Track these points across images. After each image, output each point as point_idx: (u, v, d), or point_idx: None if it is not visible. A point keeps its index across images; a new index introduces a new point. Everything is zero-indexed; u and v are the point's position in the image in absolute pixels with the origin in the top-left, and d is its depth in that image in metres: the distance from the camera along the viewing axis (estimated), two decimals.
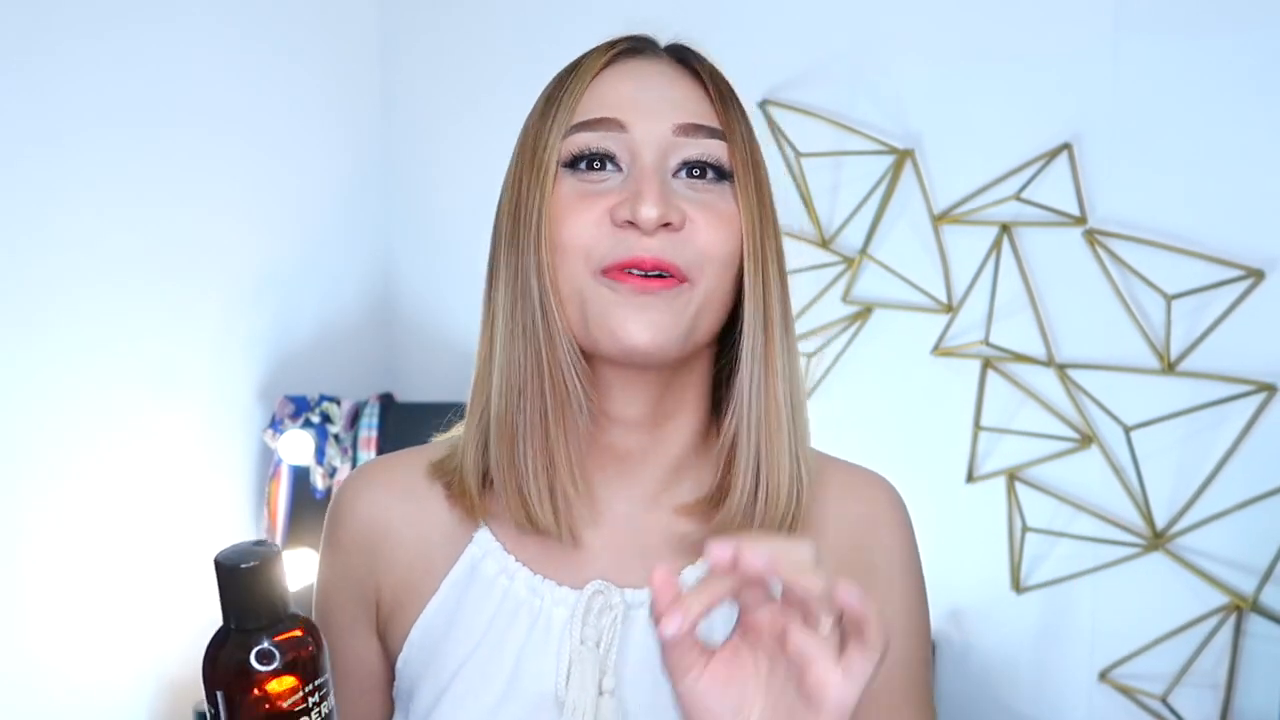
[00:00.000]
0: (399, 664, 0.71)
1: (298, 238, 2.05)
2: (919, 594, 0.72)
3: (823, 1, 1.65)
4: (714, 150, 0.64)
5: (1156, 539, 1.45)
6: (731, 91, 0.68)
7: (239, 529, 1.89)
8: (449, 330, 2.07)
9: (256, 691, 0.50)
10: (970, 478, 1.60)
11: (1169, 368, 1.42)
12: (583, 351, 0.64)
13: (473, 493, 0.68)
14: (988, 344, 1.56)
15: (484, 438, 0.67)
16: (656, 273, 0.61)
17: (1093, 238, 1.46)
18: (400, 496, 0.72)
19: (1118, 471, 1.48)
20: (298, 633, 0.52)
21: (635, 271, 0.60)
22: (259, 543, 0.53)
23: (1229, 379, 1.38)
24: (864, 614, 0.49)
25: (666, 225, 0.61)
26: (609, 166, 0.64)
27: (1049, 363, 1.52)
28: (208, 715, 0.51)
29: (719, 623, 0.64)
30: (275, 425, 1.88)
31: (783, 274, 0.67)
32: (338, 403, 1.92)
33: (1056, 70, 1.47)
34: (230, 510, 1.90)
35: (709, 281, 0.63)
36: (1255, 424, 1.37)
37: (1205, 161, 1.37)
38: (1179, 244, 1.39)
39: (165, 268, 1.77)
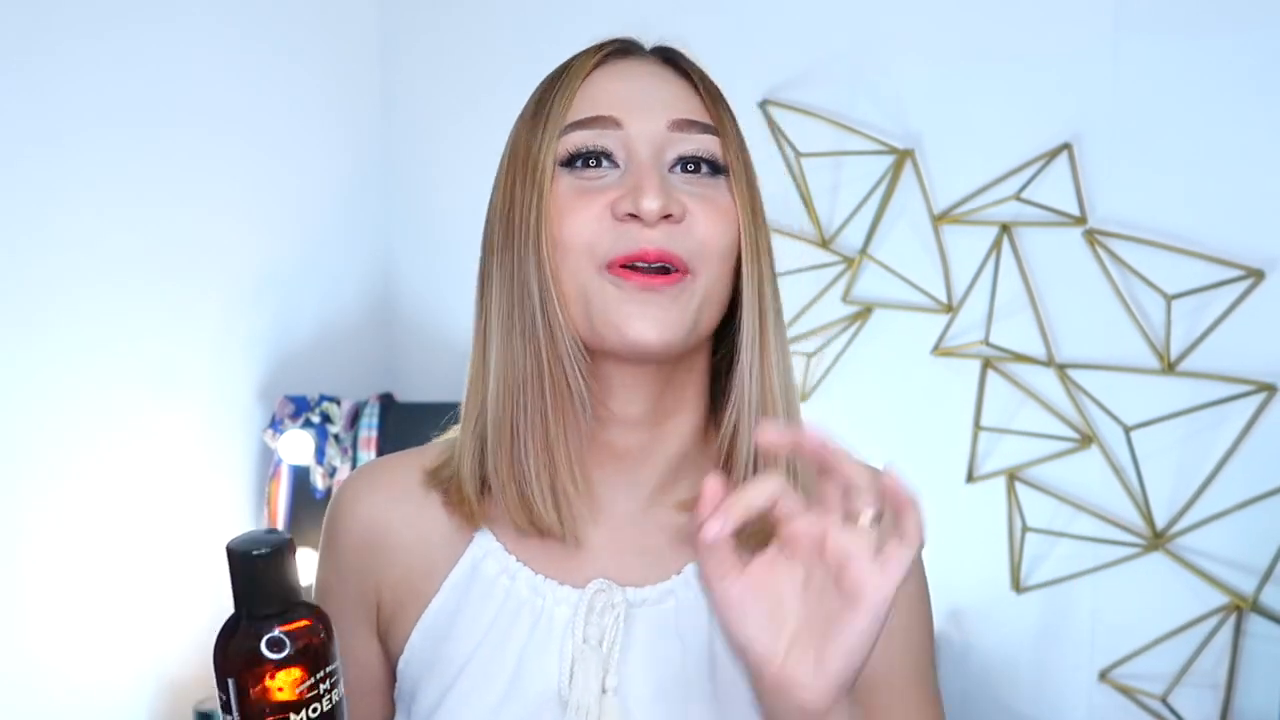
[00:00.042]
0: (400, 665, 0.71)
1: (298, 238, 2.05)
2: (920, 583, 0.72)
3: (823, 1, 1.65)
4: (708, 145, 0.65)
5: (1156, 539, 1.45)
6: (719, 90, 0.69)
7: (239, 529, 1.89)
8: (449, 330, 2.07)
9: (267, 679, 0.50)
10: (970, 478, 1.60)
11: (1169, 368, 1.42)
12: (585, 349, 0.64)
13: (471, 500, 0.68)
14: (988, 344, 1.56)
15: (480, 443, 0.67)
16: (659, 266, 0.61)
17: (1093, 238, 1.46)
18: (399, 498, 0.72)
19: (1118, 471, 1.48)
20: (308, 621, 0.52)
21: (640, 266, 0.61)
22: (271, 531, 0.53)
23: (1229, 379, 1.38)
24: (908, 498, 0.52)
25: (667, 217, 0.61)
26: (605, 164, 0.64)
27: (1049, 363, 1.52)
28: (219, 703, 0.52)
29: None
30: (275, 425, 1.88)
31: (773, 268, 0.68)
32: (338, 403, 1.92)
33: (1056, 70, 1.47)
34: (230, 510, 1.90)
35: (710, 274, 0.63)
36: (1255, 424, 1.37)
37: (1205, 161, 1.37)
38: (1179, 244, 1.39)
39: (165, 268, 1.77)
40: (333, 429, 1.89)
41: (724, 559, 0.55)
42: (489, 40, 2.02)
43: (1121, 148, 1.43)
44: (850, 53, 1.64)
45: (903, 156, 1.59)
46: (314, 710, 0.51)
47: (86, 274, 1.65)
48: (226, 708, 0.51)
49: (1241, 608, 1.39)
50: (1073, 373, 1.50)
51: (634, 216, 0.61)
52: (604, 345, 0.63)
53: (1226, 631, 1.41)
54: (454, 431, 0.73)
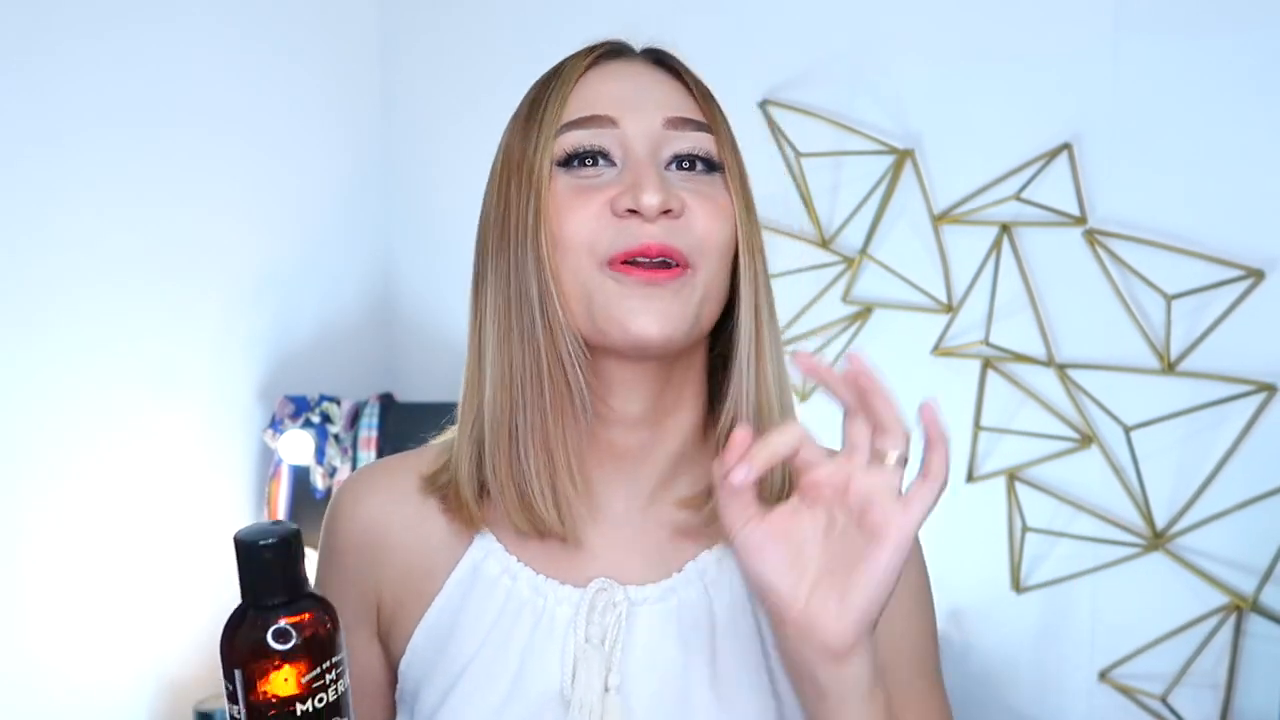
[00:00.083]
0: (402, 667, 0.71)
1: (298, 238, 2.05)
2: (922, 574, 0.73)
3: (823, 1, 1.65)
4: (703, 143, 0.66)
5: (1156, 539, 1.45)
6: (709, 89, 0.69)
7: (239, 530, 1.89)
8: (449, 330, 2.07)
9: (273, 669, 0.50)
10: (970, 478, 1.60)
11: (1169, 368, 1.42)
12: (586, 348, 0.64)
13: (470, 504, 0.68)
14: (988, 344, 1.56)
15: (478, 447, 0.67)
16: (661, 261, 0.61)
17: (1093, 238, 1.46)
18: (399, 500, 0.72)
19: (1118, 471, 1.48)
20: (314, 611, 0.52)
21: (641, 261, 0.61)
22: (277, 523, 0.54)
23: (1229, 379, 1.38)
24: (940, 433, 0.54)
25: (667, 213, 0.62)
26: (601, 163, 0.64)
27: (1049, 363, 1.52)
28: (225, 693, 0.52)
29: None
30: (275, 425, 1.88)
31: (766, 265, 0.69)
32: (338, 403, 1.92)
33: (1056, 70, 1.47)
34: (230, 511, 1.90)
35: (709, 269, 0.64)
36: (1255, 424, 1.37)
37: (1205, 161, 1.37)
38: (1179, 244, 1.39)
39: (165, 268, 1.77)
40: (333, 429, 1.89)
41: (746, 505, 0.56)
42: (489, 40, 2.02)
43: (1121, 148, 1.43)
44: (850, 53, 1.64)
45: (903, 156, 1.59)
46: (319, 700, 0.51)
47: (86, 274, 1.65)
48: (233, 698, 0.51)
49: (1241, 608, 1.39)
50: (1073, 373, 1.50)
51: (633, 213, 0.61)
52: (606, 342, 0.63)
53: (1226, 631, 1.41)
54: (451, 433, 0.73)
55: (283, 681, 0.50)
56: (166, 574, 1.79)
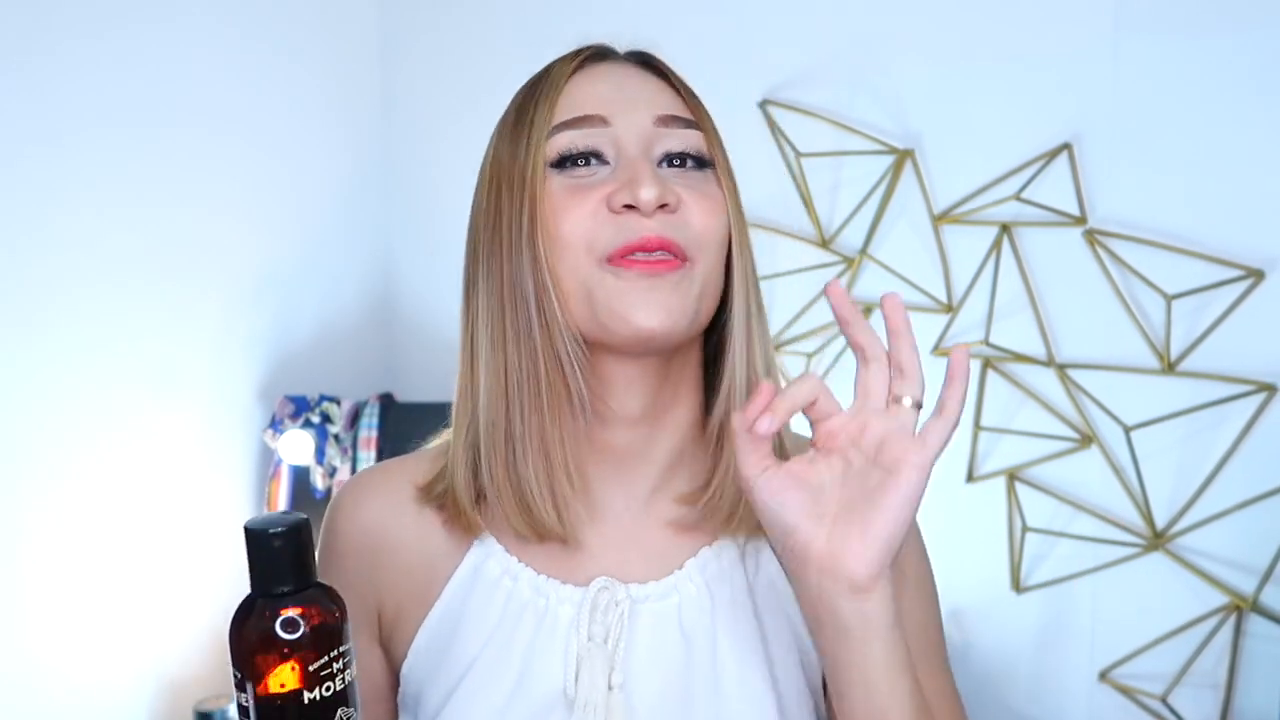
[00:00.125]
0: (404, 670, 0.71)
1: (298, 238, 2.05)
2: (925, 561, 0.74)
3: (823, 1, 1.65)
4: (693, 140, 0.67)
5: (1156, 539, 1.45)
6: (693, 90, 0.70)
7: (239, 529, 1.89)
8: (449, 330, 2.06)
9: (281, 658, 0.51)
10: (970, 478, 1.60)
11: (1169, 368, 1.42)
12: (587, 344, 0.65)
13: (468, 512, 0.68)
14: (988, 344, 1.56)
15: (474, 454, 0.68)
16: (660, 254, 0.62)
17: (1093, 238, 1.46)
18: (398, 505, 0.72)
19: (1118, 471, 1.48)
20: (322, 600, 0.53)
21: (640, 255, 0.62)
22: (286, 513, 0.54)
23: (1229, 379, 1.38)
24: (961, 371, 0.57)
25: (663, 207, 0.62)
26: (594, 163, 0.65)
27: (1049, 363, 1.52)
28: (232, 681, 0.52)
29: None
30: (275, 425, 1.88)
31: (754, 260, 0.71)
32: (338, 403, 1.92)
33: (1056, 70, 1.47)
34: (230, 511, 1.90)
35: (707, 262, 0.65)
36: (1255, 424, 1.37)
37: (1205, 161, 1.37)
38: (1179, 244, 1.39)
39: (165, 268, 1.77)
40: (333, 429, 1.89)
41: (764, 455, 0.57)
42: (489, 40, 2.02)
43: (1121, 148, 1.43)
44: (850, 53, 1.64)
45: (903, 156, 1.59)
46: (326, 689, 0.52)
47: (86, 274, 1.65)
48: (241, 686, 0.51)
49: (1241, 608, 1.39)
50: (1073, 373, 1.50)
51: (630, 208, 0.62)
52: (609, 338, 0.63)
53: (1226, 631, 1.41)
54: (446, 436, 0.73)
55: (290, 670, 0.51)
56: (167, 574, 1.79)
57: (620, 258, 0.62)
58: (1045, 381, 1.53)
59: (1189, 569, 1.43)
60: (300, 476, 1.91)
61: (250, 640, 0.51)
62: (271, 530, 0.51)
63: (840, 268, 1.67)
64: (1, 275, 1.55)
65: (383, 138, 2.22)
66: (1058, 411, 1.52)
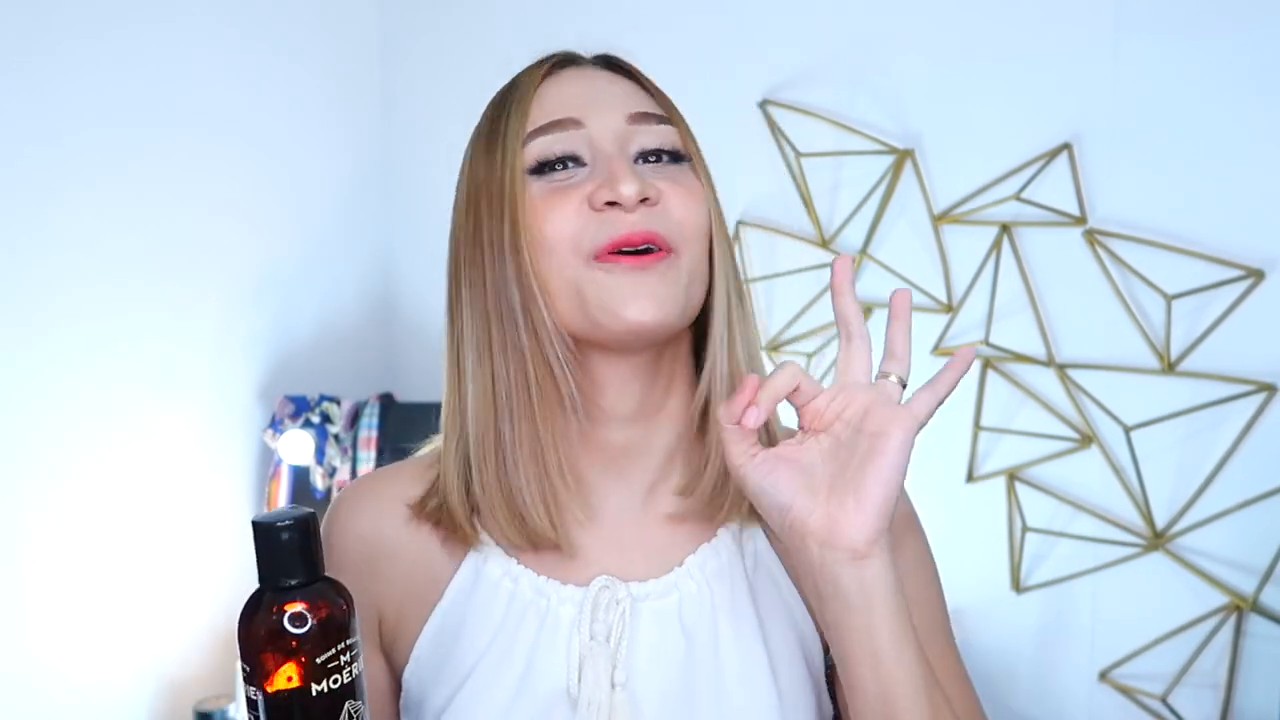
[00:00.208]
0: (406, 675, 0.71)
1: (298, 238, 2.05)
2: (925, 543, 0.74)
3: (823, 1, 1.65)
4: (668, 136, 0.67)
5: (1156, 539, 1.45)
6: (660, 88, 0.71)
7: (239, 529, 1.89)
8: None
9: (289, 651, 0.51)
10: (970, 478, 1.60)
11: (1169, 368, 1.42)
12: (578, 345, 0.65)
13: (464, 525, 0.68)
14: (988, 344, 1.56)
15: (465, 466, 0.68)
16: (645, 247, 0.63)
17: (1093, 238, 1.46)
18: (394, 512, 0.72)
19: (1118, 471, 1.48)
20: (329, 593, 0.53)
21: (626, 250, 0.62)
22: (293, 507, 0.55)
23: (1229, 379, 1.38)
24: (962, 360, 0.59)
25: (645, 201, 0.63)
26: (572, 166, 0.66)
27: (1049, 363, 1.52)
28: (240, 675, 0.53)
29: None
30: (275, 425, 1.88)
31: (734, 251, 0.72)
32: (338, 403, 1.92)
33: (1056, 70, 1.47)
34: (230, 510, 1.90)
35: (692, 252, 0.65)
36: (1255, 424, 1.37)
37: (1205, 161, 1.37)
38: (1179, 244, 1.39)
39: (165, 268, 1.77)
40: (333, 429, 1.89)
41: (751, 443, 0.59)
42: (489, 40, 2.02)
43: (1121, 148, 1.43)
44: (850, 53, 1.64)
45: (903, 156, 1.59)
46: (334, 681, 0.52)
47: (86, 274, 1.66)
48: (249, 679, 0.52)
49: (1241, 608, 1.39)
50: (1073, 373, 1.50)
51: (612, 205, 0.63)
52: (600, 334, 0.64)
53: (1226, 631, 1.41)
54: (437, 441, 0.73)
55: (299, 663, 0.51)
56: (167, 574, 1.79)
57: (607, 254, 0.62)
58: (1045, 381, 1.53)
59: (1189, 569, 1.43)
60: (300, 476, 1.91)
61: (259, 634, 0.52)
62: (280, 523, 0.52)
63: None
64: (1, 275, 1.55)
65: (383, 138, 2.22)
66: (1058, 411, 1.52)
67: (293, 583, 0.52)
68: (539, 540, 0.66)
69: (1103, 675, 1.51)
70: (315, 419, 1.88)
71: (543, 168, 0.65)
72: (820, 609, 0.59)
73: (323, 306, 2.11)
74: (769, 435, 0.68)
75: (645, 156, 0.67)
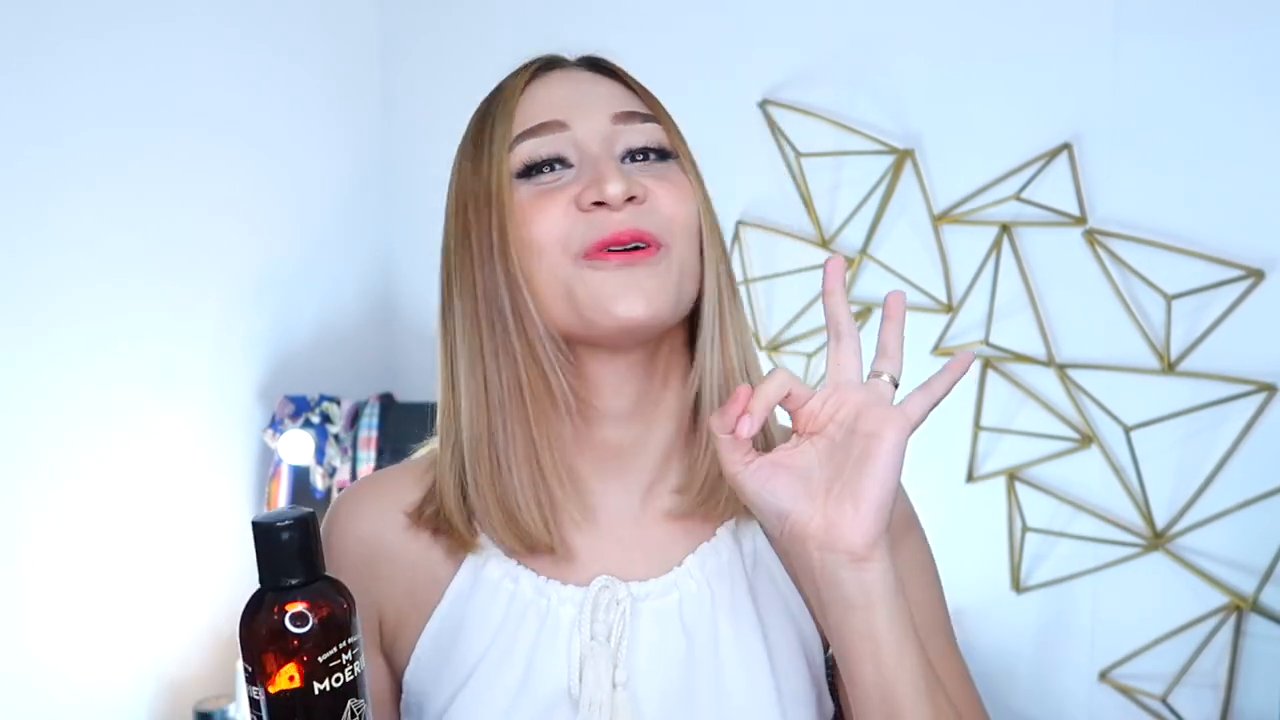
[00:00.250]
0: (407, 677, 0.71)
1: (298, 238, 2.05)
2: (925, 543, 0.74)
3: (823, 1, 1.65)
4: (654, 134, 0.68)
5: (1156, 539, 1.45)
6: (646, 87, 0.71)
7: (239, 529, 1.89)
8: None
9: (290, 650, 0.51)
10: (970, 478, 1.60)
11: (1169, 368, 1.42)
12: (570, 344, 0.65)
13: (462, 531, 0.69)
14: (988, 344, 1.56)
15: (460, 474, 0.68)
16: (634, 245, 0.63)
17: (1093, 238, 1.46)
18: (395, 514, 0.72)
19: (1118, 471, 1.48)
20: (330, 593, 0.54)
21: (615, 248, 0.62)
22: (293, 507, 0.55)
23: (1229, 379, 1.38)
24: (958, 365, 0.59)
25: (631, 199, 0.63)
26: (559, 168, 0.66)
27: (1049, 363, 1.52)
28: (243, 675, 0.53)
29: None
30: (275, 425, 1.88)
31: (725, 247, 0.71)
32: (338, 403, 1.92)
33: (1056, 70, 1.47)
34: (230, 510, 1.90)
35: (682, 247, 0.65)
36: (1255, 424, 1.37)
37: (1205, 161, 1.37)
38: (1179, 244, 1.39)
39: (165, 268, 1.77)
40: (333, 429, 1.89)
41: (745, 451, 0.59)
42: (489, 40, 2.02)
43: (1121, 148, 1.43)
44: (850, 53, 1.64)
45: (903, 156, 1.59)
46: (336, 680, 0.52)
47: (86, 274, 1.66)
48: (252, 679, 0.52)
49: (1241, 608, 1.39)
50: (1073, 373, 1.50)
51: (599, 204, 0.63)
52: (593, 332, 0.64)
53: (1226, 631, 1.41)
54: (433, 444, 0.73)
55: (301, 662, 0.51)
56: (167, 574, 1.79)
57: (596, 251, 0.62)
58: (1045, 381, 1.53)
59: (1189, 569, 1.43)
60: (300, 476, 1.91)
61: (260, 634, 0.52)
62: (280, 523, 0.52)
63: None
64: (1, 275, 1.55)
65: (383, 138, 2.22)
66: (1058, 411, 1.52)
67: (293, 582, 0.52)
68: (534, 543, 0.67)
69: (1103, 675, 1.51)
70: (315, 419, 1.88)
71: (530, 171, 0.65)
72: (822, 611, 0.59)
73: (323, 306, 2.11)
74: (765, 437, 0.68)
75: (632, 155, 0.67)
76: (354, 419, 1.92)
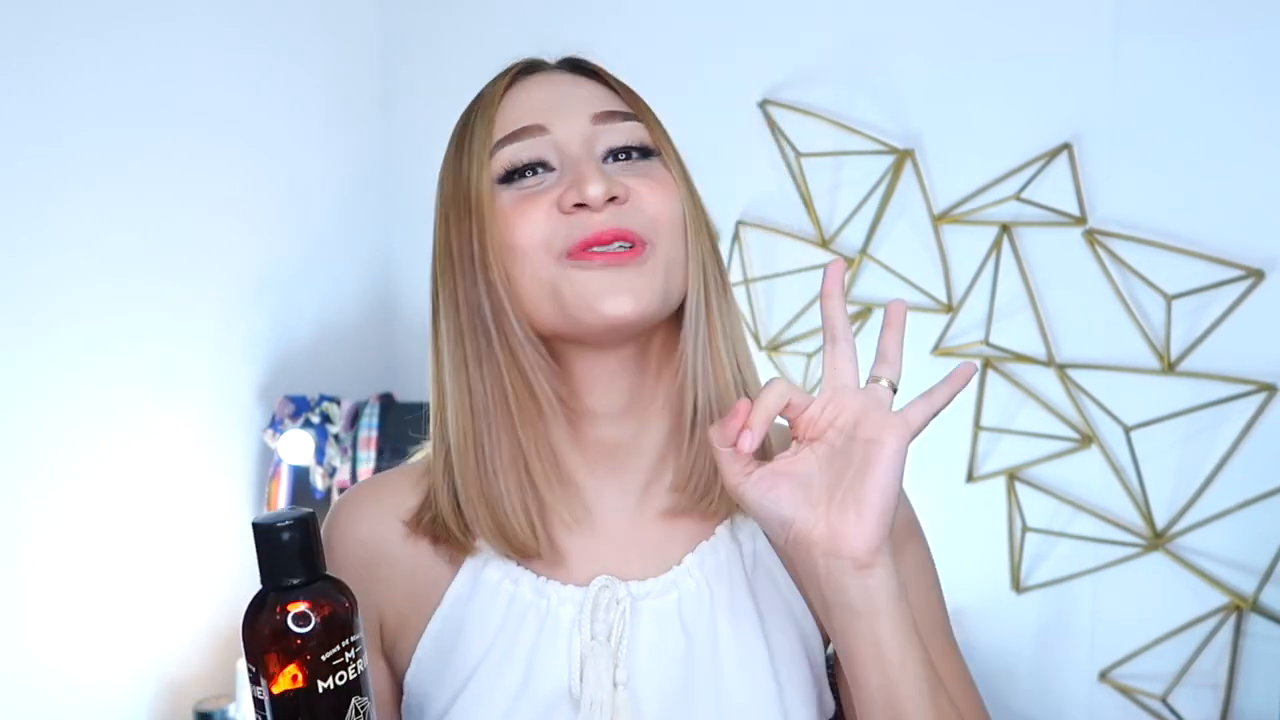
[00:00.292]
0: (407, 679, 0.71)
1: (298, 238, 2.05)
2: (925, 547, 0.75)
3: (823, 1, 1.65)
4: (636, 132, 0.67)
5: (1156, 539, 1.45)
6: (628, 86, 0.71)
7: (239, 529, 1.89)
8: None
9: (293, 649, 0.52)
10: (970, 478, 1.60)
11: (1169, 368, 1.42)
12: (559, 344, 0.66)
13: (459, 537, 0.69)
14: (988, 344, 1.56)
15: (451, 481, 0.68)
16: (617, 245, 0.62)
17: (1093, 238, 1.46)
18: (395, 517, 0.72)
19: (1118, 471, 1.48)
20: (332, 591, 0.54)
21: (598, 249, 0.62)
22: (293, 508, 0.55)
23: (1229, 379, 1.38)
24: (960, 374, 0.59)
25: (613, 200, 0.63)
26: (541, 172, 0.66)
27: (1049, 363, 1.52)
28: (245, 675, 0.53)
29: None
30: (275, 425, 1.88)
31: (715, 243, 0.71)
32: (338, 403, 1.92)
33: (1056, 70, 1.47)
34: (230, 511, 1.90)
35: (666, 244, 0.65)
36: (1255, 424, 1.37)
37: (1205, 161, 1.37)
38: (1179, 244, 1.39)
39: (165, 268, 1.77)
40: (333, 429, 1.89)
41: (745, 461, 0.59)
42: (489, 40, 2.02)
43: (1121, 148, 1.43)
44: (850, 53, 1.64)
45: (903, 156, 1.59)
46: (339, 679, 0.53)
47: (86, 274, 1.66)
48: (255, 679, 0.52)
49: (1241, 608, 1.39)
50: (1073, 373, 1.50)
51: (581, 206, 0.63)
52: (581, 331, 0.64)
53: (1226, 631, 1.41)
54: (429, 447, 0.74)
55: (304, 662, 0.52)
56: (167, 574, 1.79)
57: (579, 251, 0.62)
58: (1045, 381, 1.53)
59: (1189, 569, 1.43)
60: (300, 476, 1.91)
61: (263, 634, 0.52)
62: (280, 524, 0.52)
63: None
64: (1, 275, 1.55)
65: (383, 138, 2.22)
66: (1058, 411, 1.52)
67: (295, 582, 0.53)
68: (523, 549, 0.67)
69: (1103, 675, 1.51)
70: (315, 419, 1.88)
71: (511, 176, 0.65)
72: (826, 616, 0.60)
73: (323, 306, 2.11)
74: (763, 444, 0.68)
75: (614, 155, 0.67)
76: (354, 419, 1.92)
